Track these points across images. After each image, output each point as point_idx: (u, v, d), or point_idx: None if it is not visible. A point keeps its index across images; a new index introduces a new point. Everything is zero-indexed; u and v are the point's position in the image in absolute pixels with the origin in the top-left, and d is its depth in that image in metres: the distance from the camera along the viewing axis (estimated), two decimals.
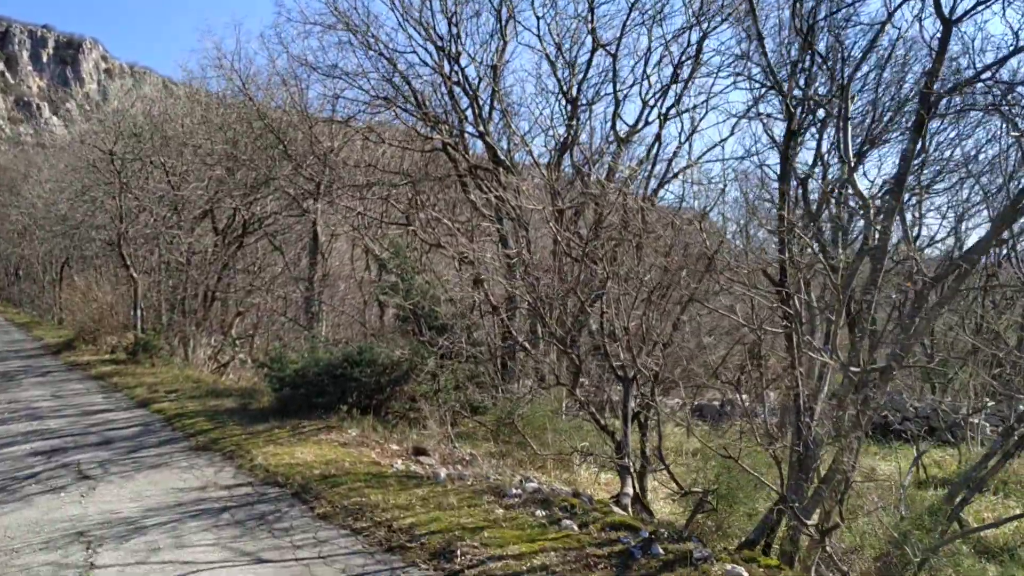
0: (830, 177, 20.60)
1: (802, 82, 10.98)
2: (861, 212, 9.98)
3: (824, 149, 19.42)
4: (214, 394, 17.62)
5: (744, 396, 20.80)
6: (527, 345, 14.66)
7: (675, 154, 18.56)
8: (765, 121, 15.74)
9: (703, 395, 23.94)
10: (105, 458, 12.42)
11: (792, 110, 8.80)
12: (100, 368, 22.62)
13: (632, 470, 10.60)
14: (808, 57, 8.79)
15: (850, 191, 9.68)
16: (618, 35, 19.28)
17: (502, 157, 18.10)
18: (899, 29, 8.42)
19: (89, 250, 37.36)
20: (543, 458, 14.21)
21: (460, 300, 16.03)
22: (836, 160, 20.78)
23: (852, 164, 10.05)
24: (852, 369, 7.97)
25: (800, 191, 20.31)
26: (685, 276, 10.96)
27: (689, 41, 18.04)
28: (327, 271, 25.81)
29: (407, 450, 13.10)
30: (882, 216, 8.65)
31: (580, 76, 19.12)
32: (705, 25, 17.67)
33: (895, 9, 9.37)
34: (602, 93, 19.66)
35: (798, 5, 8.54)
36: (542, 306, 11.23)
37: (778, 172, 19.34)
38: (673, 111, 18.73)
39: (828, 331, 9.60)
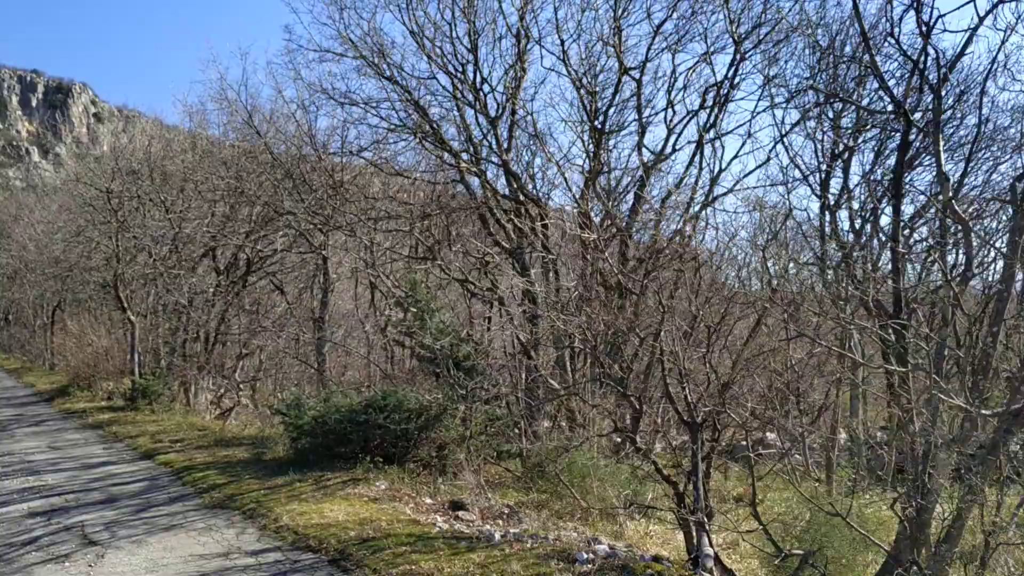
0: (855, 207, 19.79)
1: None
2: (956, 236, 8.96)
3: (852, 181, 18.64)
4: (223, 443, 16.44)
5: (775, 435, 19.62)
6: (558, 387, 13.59)
7: (713, 181, 17.61)
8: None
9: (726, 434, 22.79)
10: (111, 519, 11.22)
11: (911, 121, 7.86)
12: (98, 416, 21.40)
13: (706, 526, 9.49)
14: (915, 69, 7.87)
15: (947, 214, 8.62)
16: (643, 60, 18.48)
17: (526, 187, 17.12)
18: (1003, 31, 7.61)
19: (83, 293, 36.20)
20: (584, 509, 13.13)
21: (488, 340, 14.95)
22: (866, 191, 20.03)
23: (952, 182, 9.09)
24: (984, 412, 6.92)
25: (830, 221, 19.50)
26: (760, 306, 9.94)
27: (734, 62, 17.16)
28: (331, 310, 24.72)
29: (443, 504, 11.96)
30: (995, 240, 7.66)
31: (606, 102, 18.25)
32: (742, 46, 16.80)
33: (990, 11, 8.44)
34: (629, 119, 18.83)
35: (913, 11, 7.63)
36: (597, 345, 10.18)
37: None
38: (712, 132, 17.82)
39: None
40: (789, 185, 20.29)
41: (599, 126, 18.14)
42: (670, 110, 19.00)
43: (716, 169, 18.41)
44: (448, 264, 16.28)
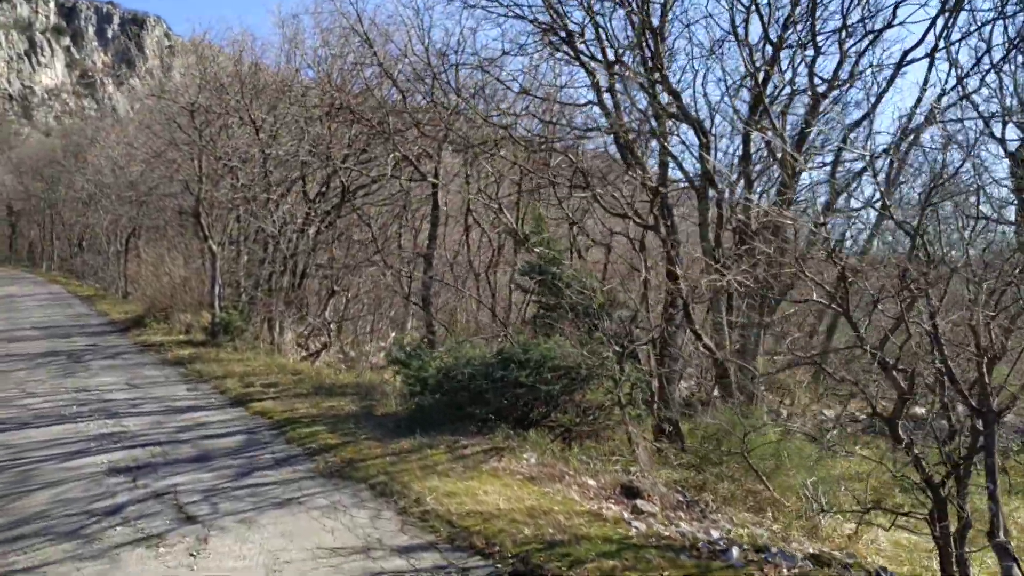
0: None
1: None
2: None
3: None
4: (325, 392, 14.26)
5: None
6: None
7: (916, 106, 14.64)
8: None
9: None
10: (210, 484, 9.08)
11: None
12: (177, 351, 19.48)
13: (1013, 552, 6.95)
14: None
15: None
16: None
17: (687, 109, 14.34)
18: None
19: (160, 219, 34.46)
20: (755, 496, 10.78)
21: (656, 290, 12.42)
22: None
23: None
24: None
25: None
26: None
27: None
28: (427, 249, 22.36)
29: (613, 489, 9.58)
30: None
31: (780, 15, 15.36)
32: None
33: None
34: (802, 39, 15.87)
35: None
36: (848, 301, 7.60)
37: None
38: (921, 50, 14.79)
39: None
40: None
41: (771, 41, 15.27)
42: (844, 32, 16.04)
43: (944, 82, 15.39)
44: (606, 195, 13.69)
